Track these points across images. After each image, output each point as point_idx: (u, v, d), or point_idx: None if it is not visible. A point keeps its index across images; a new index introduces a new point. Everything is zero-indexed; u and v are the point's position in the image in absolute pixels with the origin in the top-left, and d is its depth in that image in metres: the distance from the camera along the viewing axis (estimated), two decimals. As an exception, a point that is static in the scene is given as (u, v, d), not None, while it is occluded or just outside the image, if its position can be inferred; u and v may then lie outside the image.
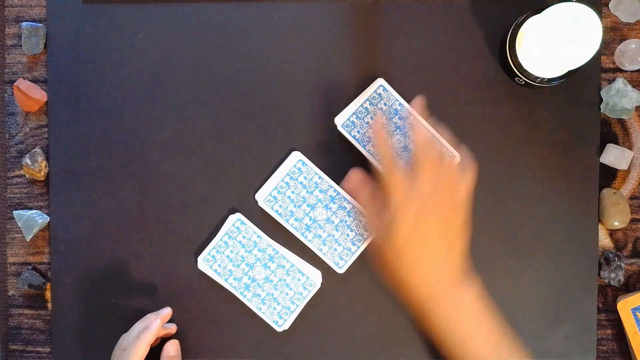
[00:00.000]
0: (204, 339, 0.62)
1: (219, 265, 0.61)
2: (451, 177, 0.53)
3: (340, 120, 0.60)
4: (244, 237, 0.61)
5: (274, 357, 0.62)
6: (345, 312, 0.62)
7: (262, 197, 0.60)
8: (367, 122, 0.60)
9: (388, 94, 0.60)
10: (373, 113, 0.60)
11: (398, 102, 0.60)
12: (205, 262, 0.61)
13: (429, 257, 0.51)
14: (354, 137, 0.60)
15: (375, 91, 0.60)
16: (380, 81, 0.60)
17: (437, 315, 0.51)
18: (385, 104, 0.60)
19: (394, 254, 0.51)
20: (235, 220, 0.61)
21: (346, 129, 0.60)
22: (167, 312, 0.61)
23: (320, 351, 0.62)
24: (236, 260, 0.61)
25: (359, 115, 0.60)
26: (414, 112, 0.59)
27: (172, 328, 0.61)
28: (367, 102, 0.60)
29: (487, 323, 0.52)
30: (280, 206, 0.60)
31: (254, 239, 0.61)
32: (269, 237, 0.61)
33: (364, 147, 0.60)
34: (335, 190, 0.61)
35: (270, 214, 0.60)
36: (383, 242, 0.52)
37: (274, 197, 0.60)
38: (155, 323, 0.58)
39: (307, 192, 0.60)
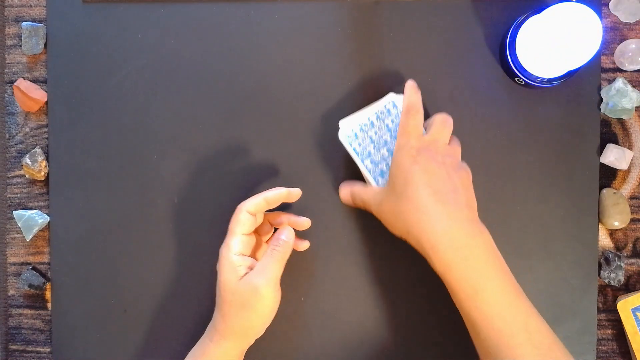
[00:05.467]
0: (204, 339, 0.62)
1: (359, 145, 0.57)
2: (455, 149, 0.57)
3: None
4: (392, 121, 0.57)
5: (274, 357, 0.62)
6: (346, 312, 0.62)
7: (345, 132, 0.57)
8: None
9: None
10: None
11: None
12: (347, 138, 0.57)
13: (445, 209, 0.52)
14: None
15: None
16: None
17: (455, 263, 0.52)
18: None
19: (410, 206, 0.53)
20: (389, 101, 0.57)
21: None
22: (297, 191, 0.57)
23: (320, 351, 0.62)
24: (378, 143, 0.58)
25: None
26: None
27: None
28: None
29: (500, 274, 0.53)
30: (360, 144, 0.57)
31: None
32: None
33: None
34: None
35: (347, 150, 0.58)
36: (398, 193, 0.54)
37: (355, 135, 0.57)
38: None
39: (391, 136, 0.58)
